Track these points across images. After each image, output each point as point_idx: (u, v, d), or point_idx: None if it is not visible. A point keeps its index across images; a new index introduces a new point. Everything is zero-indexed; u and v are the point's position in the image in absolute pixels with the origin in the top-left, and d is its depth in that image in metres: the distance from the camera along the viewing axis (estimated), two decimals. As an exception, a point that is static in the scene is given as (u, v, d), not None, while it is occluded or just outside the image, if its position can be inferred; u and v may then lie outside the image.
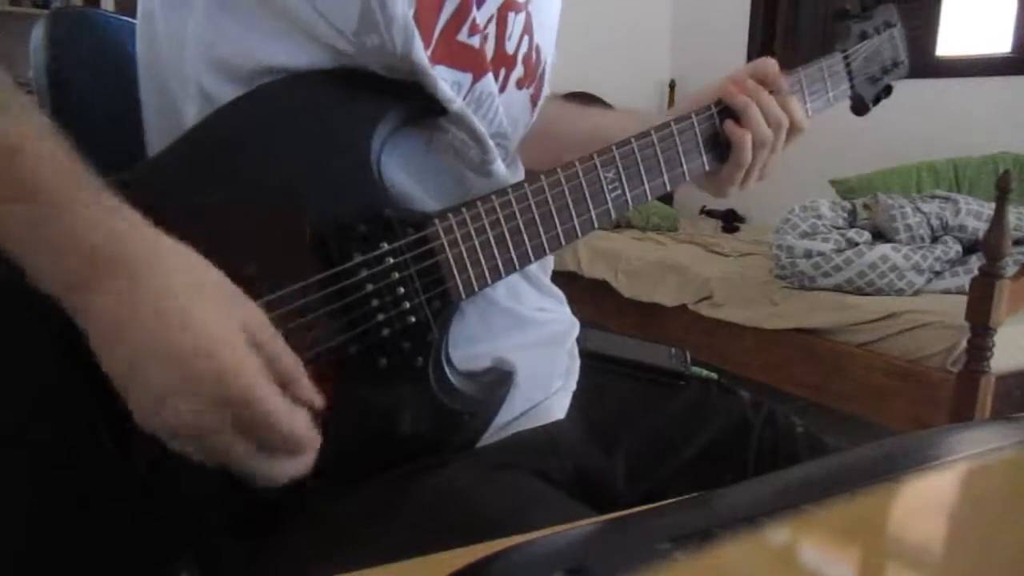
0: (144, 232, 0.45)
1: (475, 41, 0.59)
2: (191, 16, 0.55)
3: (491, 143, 0.60)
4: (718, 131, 0.68)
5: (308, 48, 0.55)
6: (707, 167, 0.68)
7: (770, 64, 0.69)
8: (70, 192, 0.44)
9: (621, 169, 0.62)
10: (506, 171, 0.62)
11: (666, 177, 0.65)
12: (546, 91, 0.75)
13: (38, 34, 0.65)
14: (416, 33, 0.54)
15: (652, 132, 0.64)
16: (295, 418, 0.45)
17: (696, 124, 0.67)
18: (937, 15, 2.96)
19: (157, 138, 0.60)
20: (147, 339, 0.42)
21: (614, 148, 0.62)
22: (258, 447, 0.45)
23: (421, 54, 0.54)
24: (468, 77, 0.60)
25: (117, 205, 0.45)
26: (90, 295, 0.43)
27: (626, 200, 0.63)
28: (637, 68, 3.94)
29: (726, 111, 0.68)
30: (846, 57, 0.76)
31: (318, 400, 0.48)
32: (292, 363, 0.47)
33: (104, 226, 0.44)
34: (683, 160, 0.66)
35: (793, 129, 0.70)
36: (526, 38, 0.65)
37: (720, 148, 0.68)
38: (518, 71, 0.65)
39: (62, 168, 0.45)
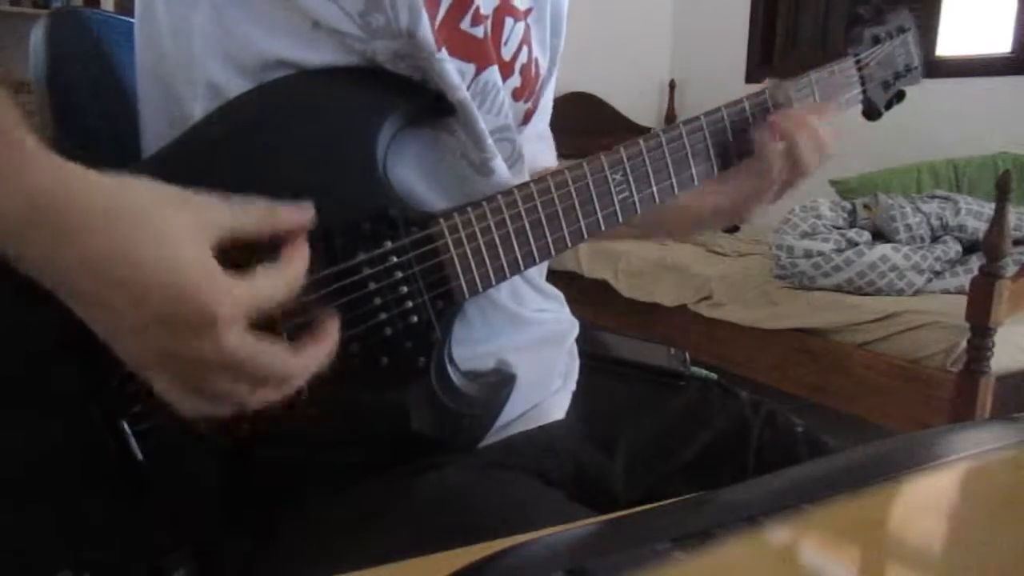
0: (71, 176, 0.41)
1: (479, 31, 0.59)
2: (197, 10, 0.55)
3: (489, 141, 0.60)
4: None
5: (315, 40, 0.54)
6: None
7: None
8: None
9: (629, 171, 0.61)
10: (508, 170, 0.62)
11: (674, 180, 0.64)
12: (542, 110, 0.74)
13: (37, 34, 0.65)
14: (422, 10, 0.54)
15: (660, 133, 0.63)
16: (260, 353, 0.44)
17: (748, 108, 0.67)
18: (937, 15, 2.96)
19: (155, 136, 0.59)
20: (101, 293, 0.41)
21: (622, 149, 0.61)
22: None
23: (427, 31, 0.54)
24: (471, 67, 0.59)
25: (42, 151, 0.41)
26: (30, 250, 0.41)
27: (634, 203, 0.62)
28: (637, 68, 3.94)
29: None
30: (858, 62, 0.75)
31: (295, 272, 0.47)
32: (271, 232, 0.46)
33: (29, 174, 0.40)
34: (692, 163, 0.65)
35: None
36: (525, 48, 0.65)
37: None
38: (515, 80, 0.65)
39: None
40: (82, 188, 0.41)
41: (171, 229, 0.42)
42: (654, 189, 0.63)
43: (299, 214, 0.49)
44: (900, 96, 0.80)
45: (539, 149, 0.77)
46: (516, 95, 0.66)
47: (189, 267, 0.42)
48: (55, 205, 0.40)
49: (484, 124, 0.59)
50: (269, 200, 0.48)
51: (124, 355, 0.44)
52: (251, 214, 0.47)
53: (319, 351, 0.48)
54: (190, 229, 0.43)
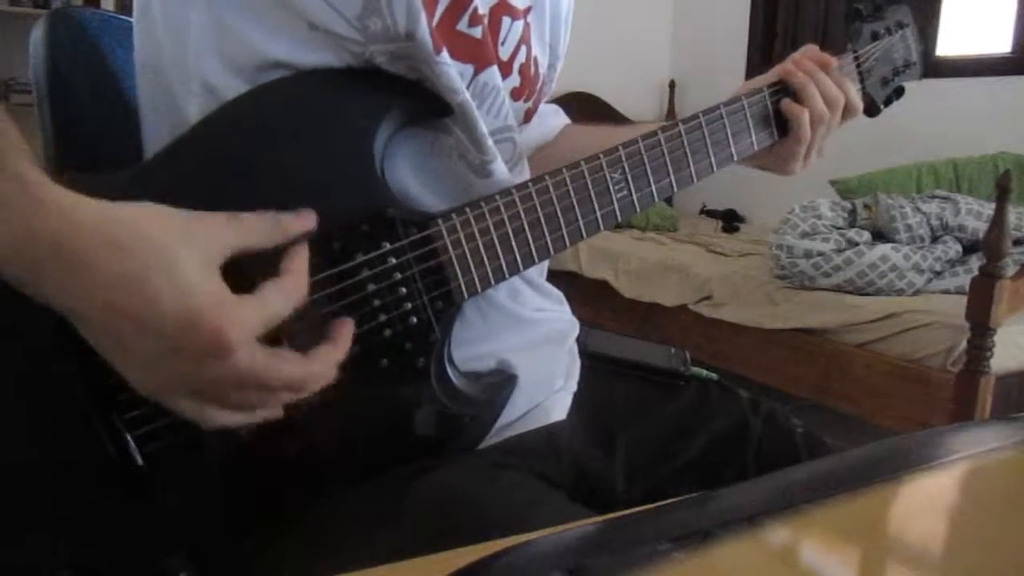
0: (75, 211, 0.41)
1: (476, 32, 0.59)
2: (192, 10, 0.55)
3: (490, 143, 0.60)
4: (769, 113, 0.71)
5: (311, 41, 0.54)
6: (755, 146, 0.70)
7: (817, 49, 0.73)
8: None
9: (627, 170, 0.61)
10: (507, 172, 0.62)
11: (673, 178, 0.64)
12: (543, 106, 0.74)
13: (37, 34, 0.65)
14: (421, 11, 0.53)
15: (659, 132, 0.63)
16: (277, 367, 0.45)
17: (747, 107, 0.69)
18: (937, 15, 2.96)
19: (155, 137, 0.59)
20: (114, 326, 0.42)
21: (620, 148, 0.61)
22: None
23: (425, 33, 0.54)
24: (470, 68, 0.59)
25: (44, 185, 0.41)
26: (42, 285, 0.42)
27: (632, 201, 0.62)
28: (637, 68, 3.93)
29: (781, 92, 0.71)
30: (857, 58, 0.75)
31: (301, 283, 0.48)
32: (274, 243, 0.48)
33: (34, 215, 0.40)
34: (690, 161, 0.65)
35: (848, 109, 0.73)
36: (523, 48, 0.65)
37: (771, 129, 0.71)
38: (514, 80, 0.65)
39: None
40: (87, 223, 0.41)
41: (179, 258, 0.43)
42: (653, 188, 0.63)
43: (302, 222, 0.49)
44: (899, 92, 0.80)
45: (549, 125, 0.80)
46: (516, 94, 0.66)
47: (199, 295, 0.42)
48: (62, 243, 0.41)
49: (484, 126, 0.59)
50: (269, 203, 0.48)
51: (141, 384, 0.45)
52: (256, 228, 0.47)
53: (334, 355, 0.49)
54: (198, 256, 0.44)
